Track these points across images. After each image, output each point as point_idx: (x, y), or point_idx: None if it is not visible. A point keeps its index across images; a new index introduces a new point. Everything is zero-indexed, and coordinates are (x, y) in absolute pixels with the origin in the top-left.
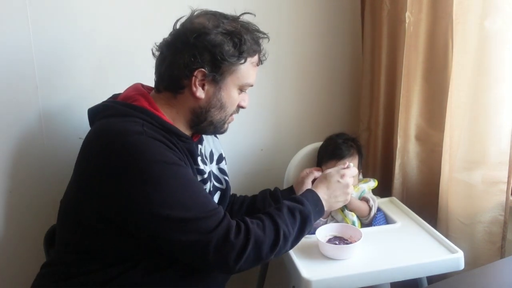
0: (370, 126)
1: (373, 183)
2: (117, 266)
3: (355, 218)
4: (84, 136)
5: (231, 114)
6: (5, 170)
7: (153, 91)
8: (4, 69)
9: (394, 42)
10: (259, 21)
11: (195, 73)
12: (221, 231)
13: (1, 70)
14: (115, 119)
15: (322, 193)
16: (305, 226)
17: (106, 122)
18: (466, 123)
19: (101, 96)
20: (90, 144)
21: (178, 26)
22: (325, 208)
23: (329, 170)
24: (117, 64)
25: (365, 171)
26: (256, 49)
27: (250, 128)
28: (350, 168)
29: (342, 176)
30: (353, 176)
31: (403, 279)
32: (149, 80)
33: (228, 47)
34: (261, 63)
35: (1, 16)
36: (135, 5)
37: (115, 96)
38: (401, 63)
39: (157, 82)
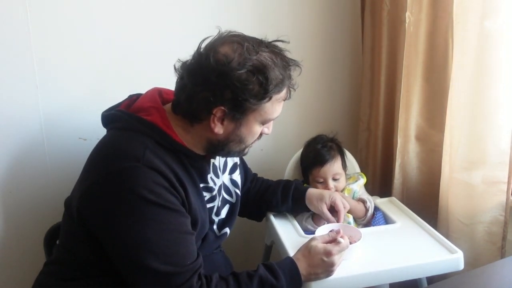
0: (370, 126)
1: (362, 180)
2: (114, 275)
3: (351, 219)
4: (84, 136)
5: (252, 143)
6: (5, 170)
7: (170, 106)
8: (4, 69)
9: (394, 42)
10: (259, 22)
11: (214, 111)
12: None
13: (1, 70)
14: (124, 133)
15: (302, 268)
16: None
17: (113, 138)
18: (466, 123)
19: (102, 96)
20: (95, 158)
21: (202, 47)
22: (303, 281)
23: (315, 243)
24: (117, 64)
25: (365, 171)
26: (284, 84)
27: None
28: (339, 244)
29: (328, 254)
30: (342, 252)
31: (403, 280)
32: (150, 80)
33: (253, 86)
34: (289, 97)
35: (1, 16)
36: (135, 5)
37: (131, 98)
38: (401, 63)
39: (174, 104)
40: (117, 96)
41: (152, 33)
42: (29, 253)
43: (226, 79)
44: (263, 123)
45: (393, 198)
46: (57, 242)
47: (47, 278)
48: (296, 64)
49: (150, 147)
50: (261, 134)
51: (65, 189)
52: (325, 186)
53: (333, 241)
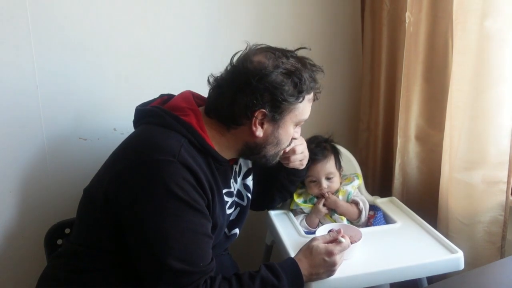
0: (370, 126)
1: (357, 182)
2: (125, 266)
3: (345, 222)
4: (84, 136)
5: (285, 148)
6: (5, 170)
7: (203, 110)
8: (4, 69)
9: (394, 42)
10: (259, 22)
11: (256, 114)
12: None
13: (1, 70)
14: (159, 128)
15: (304, 268)
16: None
17: (150, 130)
18: (466, 123)
19: (101, 96)
20: (128, 147)
21: (234, 61)
22: (305, 281)
23: (316, 243)
24: (117, 64)
25: (365, 171)
26: (313, 86)
27: None
28: (340, 244)
29: (329, 254)
30: (343, 252)
31: (403, 280)
32: (149, 80)
33: (288, 87)
34: (317, 99)
35: (1, 16)
36: (136, 5)
37: (162, 98)
38: (401, 63)
39: (209, 109)
40: (117, 96)
41: (153, 34)
42: (29, 253)
43: (264, 82)
44: (297, 124)
45: (393, 198)
46: (65, 236)
47: (54, 270)
48: (320, 69)
49: (185, 146)
50: (291, 140)
51: (65, 189)
52: (318, 185)
53: (334, 241)
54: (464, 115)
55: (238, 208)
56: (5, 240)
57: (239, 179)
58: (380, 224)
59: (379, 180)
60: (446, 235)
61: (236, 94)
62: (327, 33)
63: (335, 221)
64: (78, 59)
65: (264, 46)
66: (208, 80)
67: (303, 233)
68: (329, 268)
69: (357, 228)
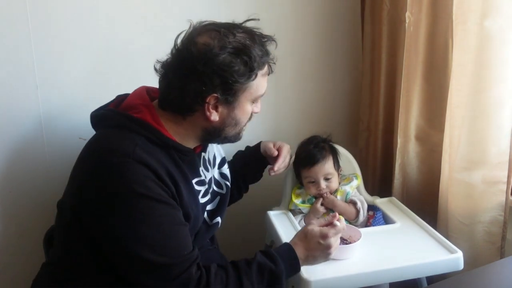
0: (370, 126)
1: (355, 182)
2: (109, 274)
3: (343, 221)
4: (84, 135)
5: (245, 124)
6: (5, 170)
7: (157, 103)
8: (4, 69)
9: (394, 42)
10: (259, 21)
11: (208, 99)
12: (180, 284)
13: (1, 70)
14: (114, 131)
15: (300, 252)
16: (273, 287)
17: (104, 134)
18: (466, 123)
19: (101, 96)
20: (85, 155)
21: (179, 43)
22: (301, 265)
23: (311, 227)
24: (117, 64)
25: (365, 172)
26: (265, 60)
27: (250, 128)
28: (335, 227)
29: (324, 237)
30: (338, 234)
31: (403, 279)
32: (150, 80)
33: (238, 67)
34: (272, 71)
35: (1, 16)
36: (136, 6)
37: (119, 98)
38: (401, 63)
39: (162, 101)
40: None
41: (153, 33)
42: (29, 253)
43: (212, 66)
44: (254, 101)
45: (393, 198)
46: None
47: (43, 279)
48: (271, 39)
49: (140, 144)
50: (251, 115)
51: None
52: (317, 186)
53: (329, 224)
54: (464, 115)
55: (218, 197)
56: (4, 240)
57: (215, 168)
58: (380, 224)
59: (379, 180)
60: (446, 235)
61: (184, 82)
62: (327, 33)
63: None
64: (78, 59)
65: (208, 23)
66: (155, 68)
67: None
68: (325, 250)
69: (357, 228)
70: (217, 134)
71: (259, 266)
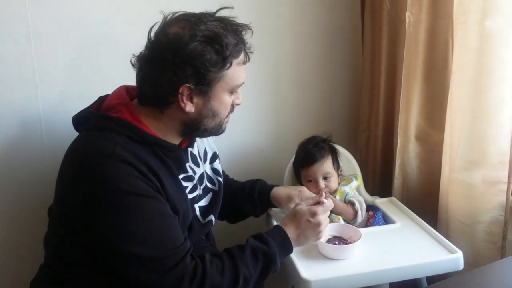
0: (370, 126)
1: (355, 183)
2: (103, 274)
3: (341, 221)
4: None
5: (227, 116)
6: (5, 169)
7: (137, 100)
8: (4, 69)
9: (394, 42)
10: (260, 21)
11: (181, 90)
12: (175, 275)
13: (1, 70)
14: (92, 134)
15: (290, 232)
16: (268, 268)
17: (83, 139)
18: (466, 123)
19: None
20: (67, 160)
21: (152, 36)
22: (294, 246)
23: (299, 206)
24: (118, 64)
25: (365, 172)
26: (240, 48)
27: (250, 128)
28: (323, 204)
29: (313, 214)
30: (327, 212)
31: (403, 279)
32: None
33: (210, 56)
34: (249, 60)
35: (1, 16)
36: (136, 6)
37: (100, 99)
38: (401, 63)
39: (139, 97)
40: None
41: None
42: (29, 253)
43: (182, 55)
44: (232, 91)
45: (393, 198)
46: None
47: (41, 280)
48: (246, 27)
49: (121, 143)
50: (233, 107)
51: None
52: (316, 185)
53: (317, 203)
54: (464, 115)
55: (211, 193)
56: (4, 240)
57: (206, 164)
58: (380, 225)
59: (379, 180)
60: (446, 235)
61: (156, 74)
62: (327, 33)
63: (332, 220)
64: (78, 59)
65: (180, 14)
66: (131, 62)
67: None
68: (315, 228)
69: (357, 228)
70: (195, 126)
71: (252, 250)
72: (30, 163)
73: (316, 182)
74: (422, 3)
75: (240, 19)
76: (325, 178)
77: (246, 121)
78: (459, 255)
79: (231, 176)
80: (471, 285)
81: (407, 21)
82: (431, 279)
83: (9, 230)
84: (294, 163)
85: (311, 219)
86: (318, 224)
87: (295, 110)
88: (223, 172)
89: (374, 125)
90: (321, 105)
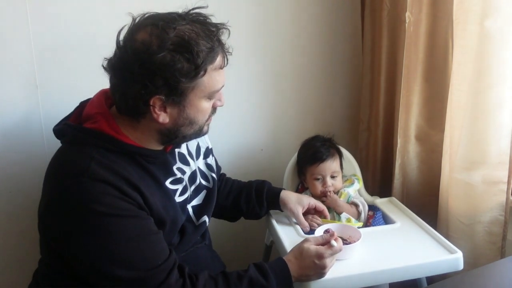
0: (370, 126)
1: (357, 185)
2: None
3: (353, 221)
4: None
5: (206, 121)
6: (6, 170)
7: (115, 108)
8: (4, 69)
9: (394, 42)
10: (259, 21)
11: (152, 101)
12: None
13: (1, 70)
14: (70, 148)
15: (293, 270)
16: None
17: (60, 154)
18: (466, 123)
19: None
20: (46, 177)
21: (121, 40)
22: (294, 282)
23: (307, 245)
24: None
25: (365, 171)
26: (215, 53)
27: (250, 128)
28: (331, 248)
29: (320, 257)
30: (334, 256)
31: (402, 279)
32: None
33: (181, 65)
34: (227, 63)
35: (1, 16)
36: (135, 6)
37: (81, 105)
38: (401, 63)
39: (115, 104)
40: None
41: None
42: (29, 254)
43: (151, 67)
44: (209, 97)
45: (393, 198)
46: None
47: (43, 272)
48: (222, 27)
49: (97, 159)
50: (215, 109)
51: None
52: (323, 183)
53: (327, 243)
54: (464, 115)
55: (204, 191)
56: (4, 241)
57: (199, 160)
58: (380, 225)
59: (379, 180)
60: (446, 235)
61: (125, 85)
62: (327, 33)
63: (336, 221)
64: (78, 59)
65: (149, 16)
66: (103, 67)
67: (302, 233)
68: (319, 270)
69: (356, 228)
70: (173, 135)
71: (251, 281)
72: (30, 164)
73: (324, 180)
74: (422, 3)
75: (239, 19)
76: (332, 177)
77: (246, 121)
78: (459, 255)
79: (230, 176)
80: (471, 285)
81: (407, 21)
82: (431, 279)
83: (9, 230)
84: (300, 160)
85: (317, 261)
86: (323, 267)
87: (295, 110)
88: (218, 168)
89: (374, 125)
90: (321, 105)
